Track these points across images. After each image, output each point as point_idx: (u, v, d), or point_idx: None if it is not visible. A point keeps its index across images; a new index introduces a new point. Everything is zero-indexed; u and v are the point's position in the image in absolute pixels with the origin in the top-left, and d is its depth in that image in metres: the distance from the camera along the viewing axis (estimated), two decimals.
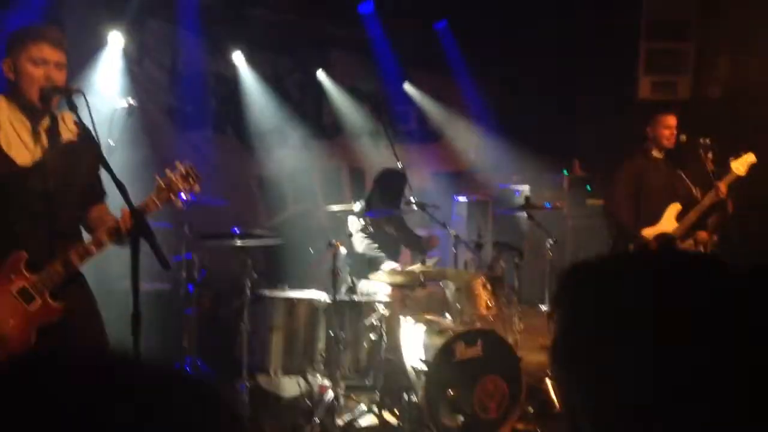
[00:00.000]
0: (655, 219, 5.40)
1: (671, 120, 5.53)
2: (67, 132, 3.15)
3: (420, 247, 5.74)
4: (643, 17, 7.56)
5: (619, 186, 5.57)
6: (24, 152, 3.04)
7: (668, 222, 5.40)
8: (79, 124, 3.11)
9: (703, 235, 5.45)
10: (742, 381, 0.89)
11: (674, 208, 5.42)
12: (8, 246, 2.98)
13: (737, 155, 5.33)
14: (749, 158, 5.32)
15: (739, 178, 5.30)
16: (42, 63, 3.01)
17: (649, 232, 5.37)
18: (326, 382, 4.89)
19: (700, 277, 0.96)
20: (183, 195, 3.16)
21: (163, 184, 3.11)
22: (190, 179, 3.15)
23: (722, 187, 5.26)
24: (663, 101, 7.34)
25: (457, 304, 4.92)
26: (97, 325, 3.21)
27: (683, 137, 5.55)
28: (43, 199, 3.02)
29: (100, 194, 3.30)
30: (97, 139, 2.97)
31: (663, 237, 5.32)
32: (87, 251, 3.03)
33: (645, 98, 7.64)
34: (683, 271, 0.98)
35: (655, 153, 5.56)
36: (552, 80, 7.88)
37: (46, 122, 3.11)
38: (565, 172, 8.03)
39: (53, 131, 3.11)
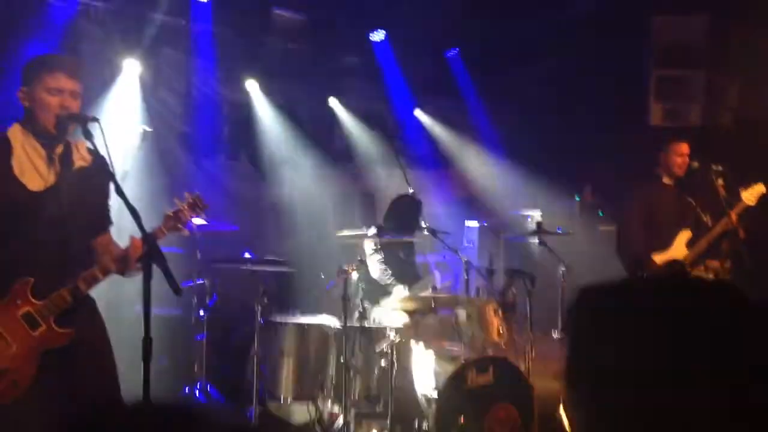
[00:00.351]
0: (665, 246, 5.39)
1: (684, 148, 5.53)
2: (80, 159, 3.20)
3: (414, 281, 5.70)
4: (654, 44, 7.59)
5: (631, 213, 5.57)
6: (37, 178, 3.08)
7: (679, 249, 5.38)
8: (93, 151, 3.16)
9: (714, 263, 5.43)
10: (741, 416, 0.89)
11: (685, 235, 5.40)
12: (17, 271, 3.01)
13: (748, 185, 5.34)
14: (759, 188, 5.32)
15: (749, 207, 5.29)
16: (57, 92, 3.07)
17: (659, 259, 5.35)
18: (336, 409, 4.88)
19: (708, 305, 0.97)
20: (191, 224, 3.22)
21: (171, 213, 3.17)
22: (197, 208, 3.23)
23: (733, 215, 5.25)
24: (674, 128, 7.35)
25: (469, 331, 4.90)
26: (105, 353, 3.22)
27: (695, 164, 5.55)
28: (54, 224, 3.06)
29: (107, 223, 3.35)
30: (112, 166, 3.02)
31: (673, 264, 5.30)
32: (93, 277, 3.06)
33: (656, 125, 7.65)
34: (690, 297, 0.98)
35: (666, 180, 5.56)
36: (564, 106, 7.91)
37: (59, 149, 3.16)
38: (576, 197, 8.02)
39: (66, 158, 3.16)
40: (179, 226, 3.17)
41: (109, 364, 3.21)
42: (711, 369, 0.91)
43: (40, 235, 3.04)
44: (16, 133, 3.11)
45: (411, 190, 5.72)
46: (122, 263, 3.07)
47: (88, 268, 3.10)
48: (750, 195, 5.31)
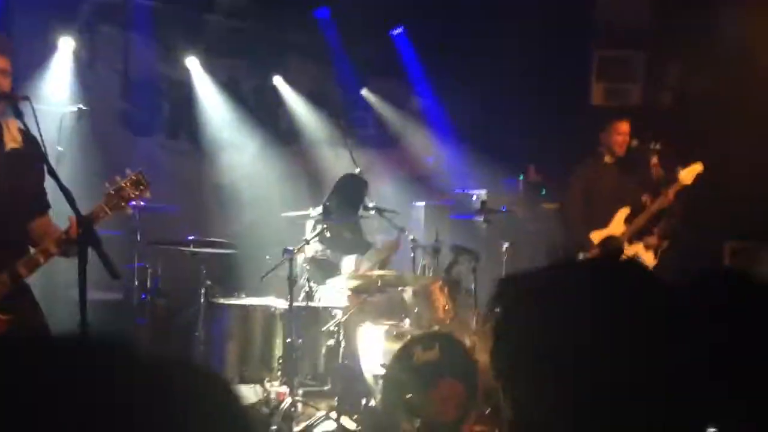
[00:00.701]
0: (605, 223, 5.50)
1: (624, 126, 5.64)
2: (12, 141, 3.08)
3: (365, 253, 5.71)
4: (596, 25, 7.69)
5: (572, 191, 5.67)
6: None
7: (616, 226, 5.51)
8: (25, 132, 3.04)
9: (652, 240, 5.57)
10: (670, 396, 0.91)
11: (623, 213, 5.53)
12: None
13: (686, 164, 5.47)
14: (697, 168, 5.47)
15: (686, 186, 5.43)
16: None
17: (596, 236, 5.47)
18: (284, 389, 4.86)
19: (627, 288, 0.98)
20: (133, 202, 3.11)
21: (112, 191, 3.04)
22: (141, 186, 3.09)
23: (670, 194, 5.40)
24: (615, 107, 7.48)
25: (415, 309, 4.93)
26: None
27: (634, 142, 5.66)
28: None
29: (44, 205, 3.23)
30: (44, 146, 2.91)
31: (610, 240, 5.42)
32: (35, 262, 2.97)
33: (598, 104, 7.77)
34: (610, 282, 1.00)
35: (607, 159, 5.67)
36: (507, 86, 7.97)
37: None
38: (521, 177, 8.12)
39: None
40: (122, 204, 3.04)
41: None
42: (629, 344, 0.93)
43: None
44: None
45: (358, 170, 5.70)
46: (63, 245, 2.96)
47: (26, 252, 2.99)
48: (688, 174, 5.46)
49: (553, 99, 7.70)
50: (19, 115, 2.96)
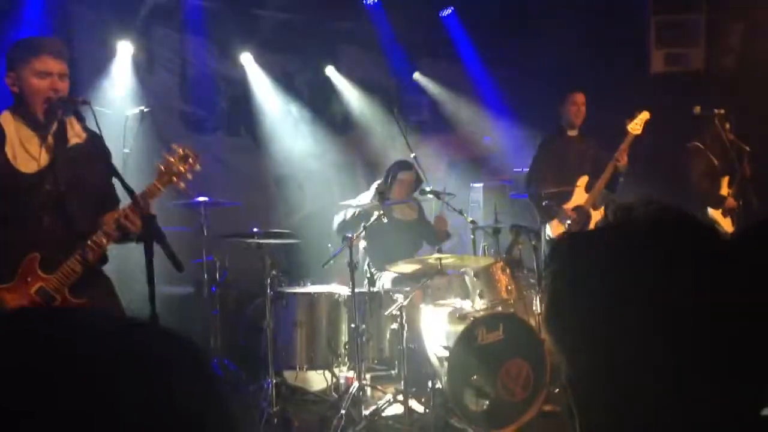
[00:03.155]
0: (569, 195, 5.62)
1: (579, 97, 5.83)
2: (75, 136, 3.20)
3: (434, 238, 5.75)
4: None
5: (539, 165, 5.84)
6: (30, 161, 3.09)
7: (579, 195, 5.61)
8: (88, 129, 3.17)
9: (731, 202, 5.66)
10: (720, 356, 0.90)
11: (582, 181, 5.64)
12: (24, 251, 3.03)
13: (632, 117, 5.52)
14: (644, 116, 5.50)
15: (636, 137, 5.49)
16: (46, 75, 3.07)
17: (568, 207, 5.58)
18: (351, 374, 4.94)
19: (687, 243, 0.97)
20: (188, 176, 3.17)
21: (163, 168, 3.14)
22: (190, 159, 3.18)
23: (621, 155, 5.46)
24: (677, 73, 7.27)
25: (477, 290, 4.92)
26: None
27: (697, 109, 5.52)
28: (53, 203, 3.08)
29: (114, 202, 3.34)
30: (106, 147, 3.03)
31: (579, 209, 5.54)
32: (97, 244, 3.05)
33: (658, 72, 7.55)
34: (670, 235, 0.98)
35: (570, 132, 5.79)
36: (563, 60, 7.82)
37: (53, 128, 3.17)
38: None
39: (61, 136, 3.17)
40: (174, 179, 3.14)
41: None
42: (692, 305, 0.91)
43: (41, 215, 3.06)
44: (7, 119, 3.11)
45: (413, 155, 5.71)
46: (121, 226, 3.03)
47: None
48: (636, 125, 5.51)
49: (611, 69, 7.52)
50: (80, 118, 3.09)
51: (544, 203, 5.58)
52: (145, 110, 5.56)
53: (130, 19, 6.17)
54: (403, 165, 5.72)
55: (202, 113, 6.89)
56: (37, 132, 3.13)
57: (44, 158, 3.12)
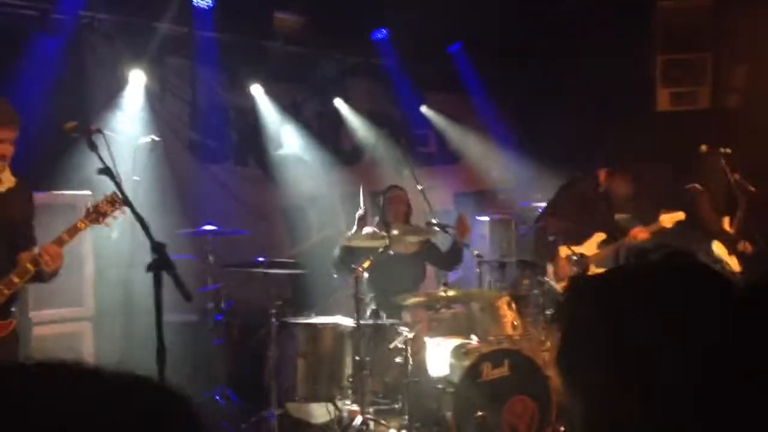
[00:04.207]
0: (579, 240, 5.58)
1: (630, 179, 5.84)
2: (7, 181, 3.45)
3: (449, 261, 5.70)
4: (657, 29, 7.56)
5: (560, 200, 5.84)
6: None
7: (590, 246, 5.61)
8: (17, 175, 3.46)
9: (737, 241, 5.65)
10: (736, 397, 0.91)
11: (598, 237, 5.65)
12: None
13: (668, 210, 5.55)
14: (679, 216, 5.51)
15: (663, 229, 5.49)
16: None
17: (564, 252, 5.54)
18: (355, 407, 4.90)
19: (696, 289, 0.98)
20: (112, 217, 3.50)
21: (90, 208, 3.50)
22: (116, 204, 3.47)
23: (640, 234, 5.47)
24: (682, 112, 7.31)
25: (483, 325, 4.91)
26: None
27: (704, 147, 5.55)
28: None
29: (30, 242, 3.54)
30: (118, 176, 3.08)
31: (580, 258, 5.46)
32: (9, 284, 3.32)
33: (664, 110, 7.61)
34: (679, 285, 1.00)
35: (600, 189, 5.84)
36: (570, 96, 7.89)
37: None
38: None
39: None
40: (99, 219, 3.49)
41: None
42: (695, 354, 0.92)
43: None
44: None
45: (420, 187, 5.74)
46: (35, 265, 3.32)
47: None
48: (668, 219, 5.53)
49: (618, 107, 7.58)
50: (93, 147, 3.15)
51: (550, 238, 5.58)
52: (156, 139, 5.61)
53: (142, 48, 6.24)
54: (392, 186, 5.77)
55: (212, 143, 6.93)
56: None
57: None
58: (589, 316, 1.01)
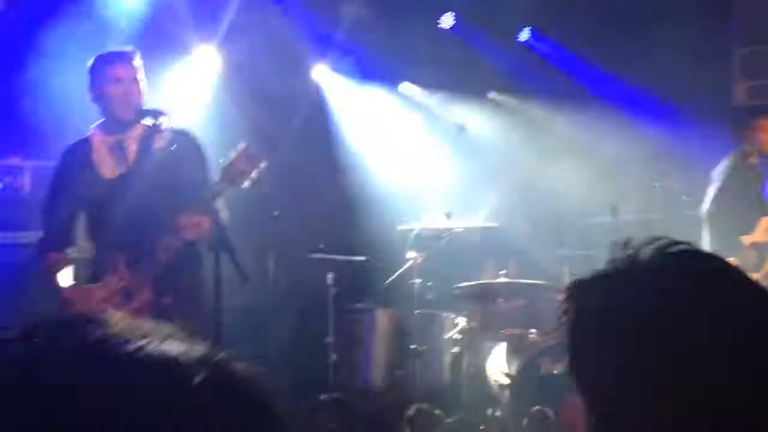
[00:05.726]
0: (750, 227, 5.16)
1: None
2: (160, 140, 3.30)
3: None
4: (734, 22, 7.29)
5: (724, 183, 5.40)
6: (111, 168, 3.30)
7: (763, 233, 5.16)
8: (176, 131, 3.28)
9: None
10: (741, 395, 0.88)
11: (766, 221, 5.18)
12: (110, 253, 3.22)
13: None
14: None
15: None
16: (118, 82, 3.24)
17: (746, 239, 5.16)
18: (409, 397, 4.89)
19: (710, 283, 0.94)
20: (252, 175, 3.11)
21: (227, 166, 3.13)
22: (251, 158, 3.14)
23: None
24: (760, 106, 7.04)
25: (544, 318, 4.82)
26: (198, 322, 3.10)
27: None
28: (133, 207, 3.21)
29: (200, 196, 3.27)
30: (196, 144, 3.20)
31: (756, 245, 5.08)
32: (170, 244, 3.12)
33: (741, 104, 7.36)
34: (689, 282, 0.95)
35: (752, 159, 5.37)
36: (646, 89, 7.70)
37: (135, 134, 3.30)
38: (655, 185, 7.76)
39: (145, 142, 3.30)
40: (238, 179, 3.11)
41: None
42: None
43: (123, 219, 3.21)
44: (94, 131, 3.37)
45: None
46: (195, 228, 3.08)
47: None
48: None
49: (692, 102, 7.35)
50: (158, 129, 3.22)
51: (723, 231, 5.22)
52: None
53: (210, 27, 6.28)
54: None
55: (277, 128, 6.96)
56: (117, 135, 3.29)
57: (122, 167, 3.27)
58: (598, 321, 0.98)
